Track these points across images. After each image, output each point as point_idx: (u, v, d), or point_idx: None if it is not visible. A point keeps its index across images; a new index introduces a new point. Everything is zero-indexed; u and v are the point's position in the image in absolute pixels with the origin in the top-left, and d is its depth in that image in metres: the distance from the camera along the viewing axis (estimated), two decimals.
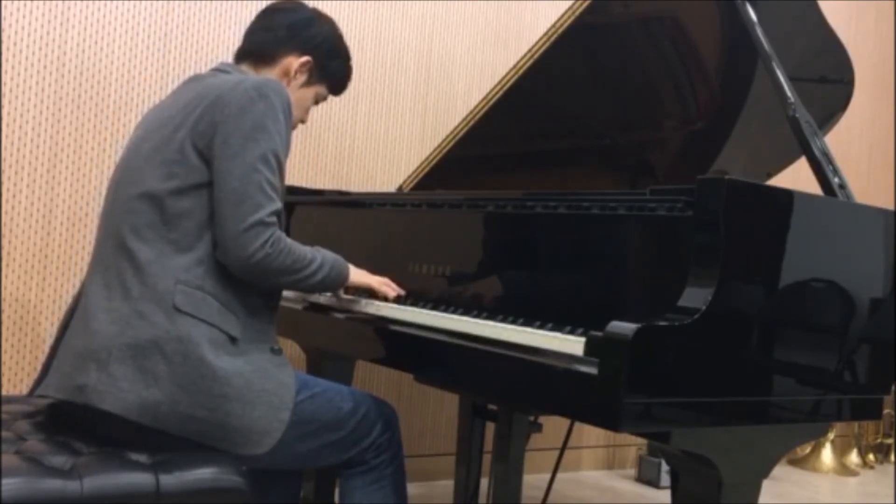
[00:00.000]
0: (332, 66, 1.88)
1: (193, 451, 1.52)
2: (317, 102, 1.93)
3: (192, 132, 1.60)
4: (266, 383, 1.57)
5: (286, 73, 1.82)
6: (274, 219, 1.59)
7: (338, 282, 1.79)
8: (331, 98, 1.95)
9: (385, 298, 1.90)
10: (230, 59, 1.88)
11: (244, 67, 1.81)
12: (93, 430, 1.55)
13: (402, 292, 1.93)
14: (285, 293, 2.16)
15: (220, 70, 1.77)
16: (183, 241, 1.58)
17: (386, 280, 1.93)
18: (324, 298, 2.03)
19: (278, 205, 1.61)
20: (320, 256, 1.73)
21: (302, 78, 1.83)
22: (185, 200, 1.58)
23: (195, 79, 1.76)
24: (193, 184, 1.59)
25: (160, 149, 1.62)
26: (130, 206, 1.61)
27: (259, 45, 1.82)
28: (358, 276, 1.87)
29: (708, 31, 2.26)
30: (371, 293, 1.92)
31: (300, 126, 1.94)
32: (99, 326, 1.55)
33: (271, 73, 1.81)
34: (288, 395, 1.60)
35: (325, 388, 1.71)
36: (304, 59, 1.82)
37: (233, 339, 1.57)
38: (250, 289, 1.63)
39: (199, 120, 1.60)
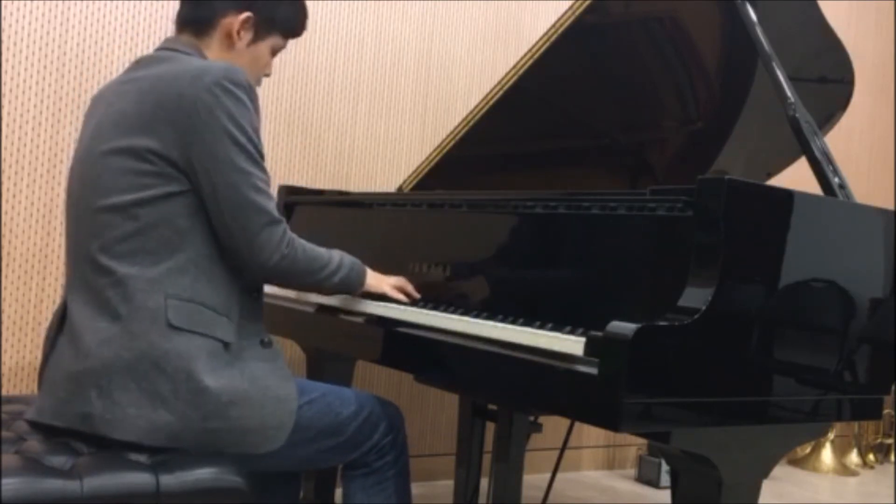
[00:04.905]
0: (279, 13, 1.74)
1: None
2: (275, 54, 1.78)
3: (159, 141, 1.52)
4: (267, 380, 1.57)
5: (229, 35, 1.69)
6: (279, 215, 1.59)
7: (355, 284, 1.79)
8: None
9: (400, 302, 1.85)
10: None
11: (186, 38, 1.69)
12: (97, 444, 1.52)
13: (417, 296, 1.89)
14: (285, 293, 2.16)
15: (165, 49, 1.66)
16: (161, 250, 1.52)
17: (401, 283, 1.89)
18: (324, 298, 2.02)
19: (274, 199, 1.61)
20: (338, 256, 1.74)
21: (248, 36, 1.71)
22: (160, 208, 1.52)
23: (143, 65, 1.65)
24: (170, 192, 1.52)
25: (120, 154, 1.54)
26: (98, 221, 1.54)
27: (194, 10, 1.70)
28: (373, 280, 1.83)
29: (708, 31, 2.26)
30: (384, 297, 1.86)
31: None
32: (89, 347, 1.50)
33: (213, 39, 1.69)
34: (288, 385, 1.59)
35: (325, 392, 1.69)
36: (244, 15, 1.69)
37: (226, 345, 1.54)
38: (236, 285, 1.60)
39: (164, 128, 1.52)
